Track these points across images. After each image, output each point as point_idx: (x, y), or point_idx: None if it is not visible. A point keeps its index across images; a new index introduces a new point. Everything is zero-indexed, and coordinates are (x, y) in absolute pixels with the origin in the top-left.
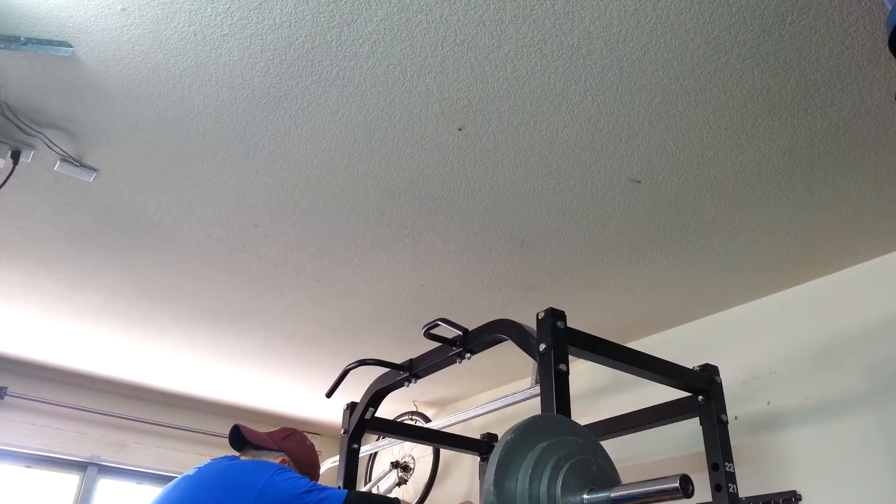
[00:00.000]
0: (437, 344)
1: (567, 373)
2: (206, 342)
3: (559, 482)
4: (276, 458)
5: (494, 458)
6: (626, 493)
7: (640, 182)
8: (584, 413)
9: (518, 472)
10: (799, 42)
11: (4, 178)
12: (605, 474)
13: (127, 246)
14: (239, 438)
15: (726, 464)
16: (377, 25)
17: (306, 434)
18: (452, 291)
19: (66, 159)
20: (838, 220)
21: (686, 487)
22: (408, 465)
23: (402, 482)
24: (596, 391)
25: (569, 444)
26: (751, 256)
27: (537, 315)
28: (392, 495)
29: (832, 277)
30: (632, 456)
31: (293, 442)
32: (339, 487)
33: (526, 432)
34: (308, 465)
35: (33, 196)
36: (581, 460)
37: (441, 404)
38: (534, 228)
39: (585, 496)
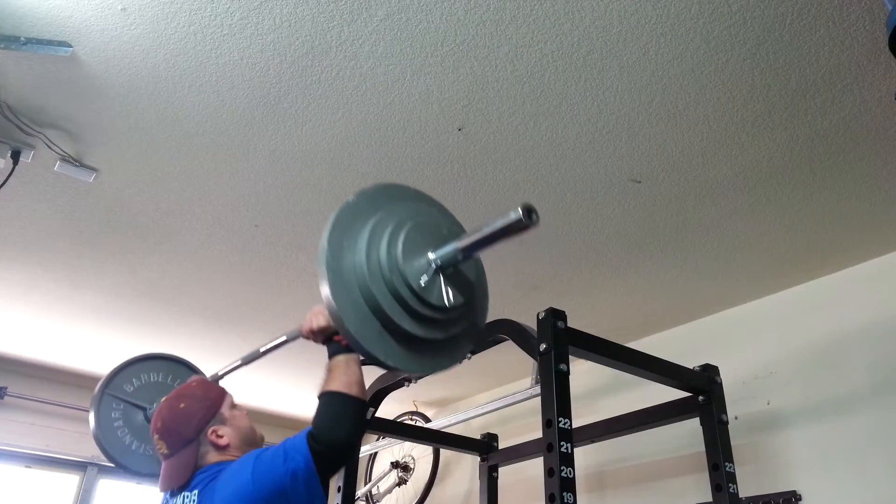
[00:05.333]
0: None
1: (567, 373)
2: (206, 342)
3: (399, 245)
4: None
5: (331, 218)
6: (472, 239)
7: (640, 182)
8: (584, 413)
9: (357, 238)
10: (799, 42)
11: (4, 178)
12: (452, 231)
13: (127, 246)
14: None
15: (726, 464)
16: (377, 25)
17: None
18: None
19: (66, 159)
20: (838, 220)
21: (530, 216)
22: (408, 465)
23: (402, 482)
24: (596, 391)
25: (403, 211)
26: (751, 256)
27: (538, 315)
28: (392, 495)
29: (832, 277)
30: (632, 456)
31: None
32: (339, 488)
33: (364, 197)
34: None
35: (33, 196)
36: (423, 222)
37: (441, 404)
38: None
39: (431, 254)
